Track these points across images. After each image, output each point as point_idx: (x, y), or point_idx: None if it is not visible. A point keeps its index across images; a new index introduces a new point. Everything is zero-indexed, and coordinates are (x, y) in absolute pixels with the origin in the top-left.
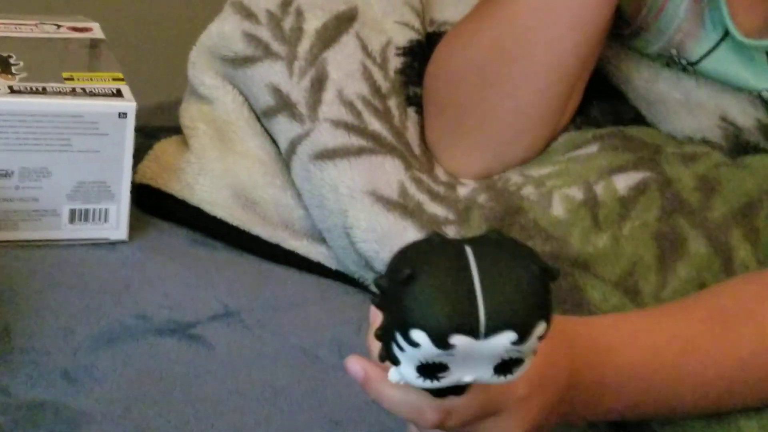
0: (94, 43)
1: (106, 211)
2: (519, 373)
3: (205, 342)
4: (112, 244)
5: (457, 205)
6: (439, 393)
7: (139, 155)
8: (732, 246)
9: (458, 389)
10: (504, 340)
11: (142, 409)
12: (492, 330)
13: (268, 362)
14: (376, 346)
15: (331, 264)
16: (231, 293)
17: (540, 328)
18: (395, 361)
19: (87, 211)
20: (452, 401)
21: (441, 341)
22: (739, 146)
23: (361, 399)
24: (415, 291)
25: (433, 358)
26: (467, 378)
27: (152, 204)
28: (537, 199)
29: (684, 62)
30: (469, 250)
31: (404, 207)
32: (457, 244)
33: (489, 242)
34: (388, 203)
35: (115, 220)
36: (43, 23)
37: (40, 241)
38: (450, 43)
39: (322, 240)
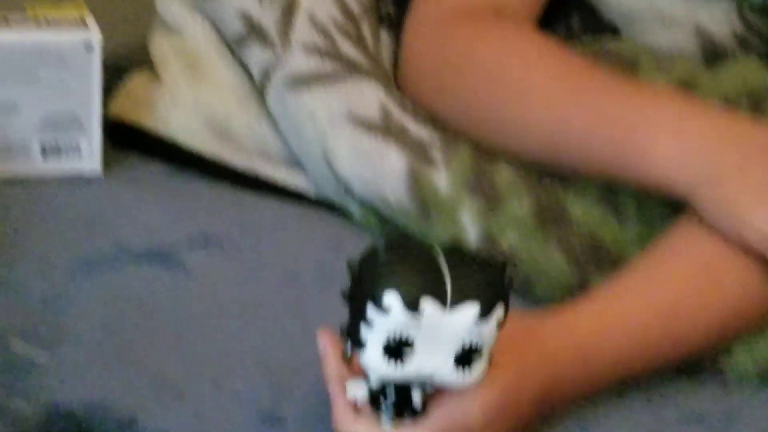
0: None
1: (78, 144)
2: (477, 371)
3: (185, 267)
4: (87, 178)
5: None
6: (397, 413)
7: (110, 92)
8: None
9: (413, 413)
10: (468, 314)
11: (123, 332)
12: (458, 300)
13: (248, 284)
14: (334, 374)
15: (310, 191)
16: (209, 221)
17: (500, 310)
18: (361, 344)
19: (58, 144)
20: None
21: (412, 302)
22: (715, 56)
23: (343, 316)
24: (390, 260)
25: (401, 329)
26: (428, 366)
27: (126, 139)
28: None
29: None
30: (436, 247)
31: (386, 128)
32: (424, 244)
33: (453, 246)
34: (368, 125)
35: (88, 154)
36: None
37: (13, 177)
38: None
39: (300, 167)
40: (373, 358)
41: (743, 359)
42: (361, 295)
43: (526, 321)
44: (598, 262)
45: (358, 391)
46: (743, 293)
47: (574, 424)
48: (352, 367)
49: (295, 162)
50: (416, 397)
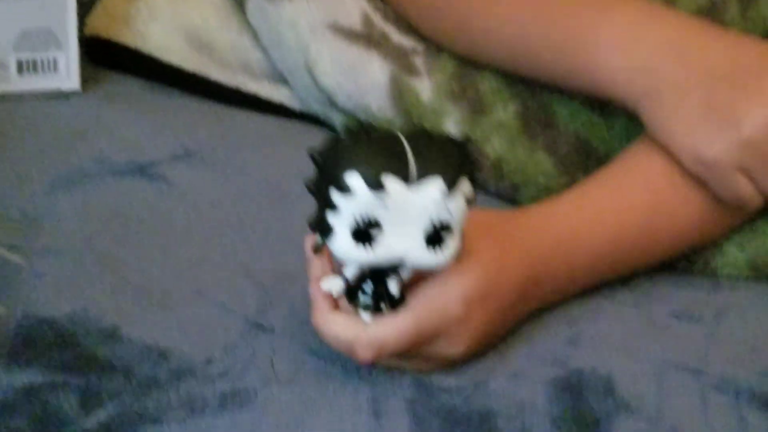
0: None
1: (55, 59)
2: (450, 251)
3: (167, 180)
4: (65, 95)
5: None
6: (375, 309)
7: (87, 8)
8: None
9: (393, 301)
10: (433, 188)
11: (104, 243)
12: (422, 176)
13: (232, 197)
14: (316, 274)
15: (294, 105)
16: (191, 135)
17: (465, 185)
18: (329, 232)
19: (35, 60)
20: (384, 335)
21: (375, 181)
22: None
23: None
24: (351, 144)
25: (367, 209)
26: (399, 247)
27: (105, 56)
28: None
29: None
30: (396, 130)
31: (368, 37)
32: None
33: (415, 129)
34: (350, 35)
35: (65, 70)
36: None
37: None
38: None
39: (283, 81)
40: (342, 244)
41: (734, 256)
42: (324, 182)
43: (504, 214)
44: (586, 165)
45: (334, 284)
46: None
47: (563, 324)
48: (330, 263)
49: (277, 76)
50: (393, 287)
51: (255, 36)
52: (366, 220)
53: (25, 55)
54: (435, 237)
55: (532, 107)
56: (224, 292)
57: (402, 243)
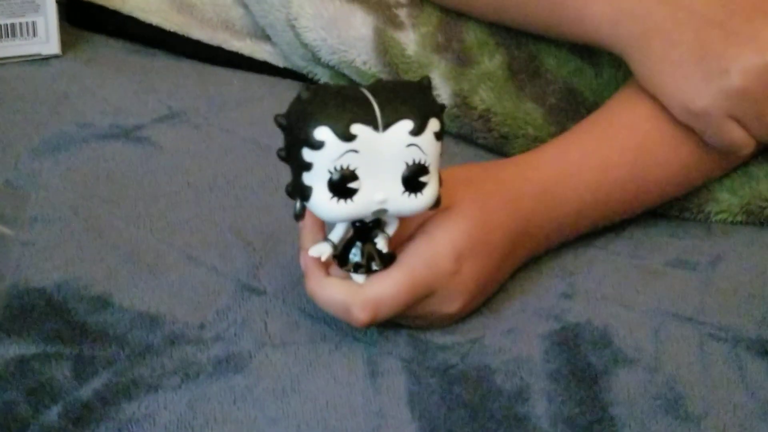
0: None
1: (34, 24)
2: (429, 192)
3: (152, 142)
4: (46, 59)
5: None
6: (367, 269)
7: None
8: None
9: (384, 258)
10: (402, 130)
11: (92, 209)
12: (389, 120)
13: (218, 156)
14: (306, 242)
15: (278, 62)
16: (174, 95)
17: (434, 123)
18: (306, 193)
19: (13, 25)
20: (379, 294)
21: (344, 132)
22: None
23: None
24: (316, 100)
25: (341, 161)
26: (378, 195)
27: (84, 18)
28: None
29: None
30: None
31: None
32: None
33: (375, 81)
34: None
35: (45, 34)
36: None
37: None
38: None
39: (266, 38)
40: (321, 201)
41: (728, 201)
42: (294, 144)
43: (488, 166)
44: (575, 114)
45: (322, 249)
46: None
47: (557, 278)
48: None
49: (260, 33)
50: (381, 244)
51: None
52: (341, 172)
53: (3, 21)
54: (412, 180)
55: (519, 57)
56: (215, 255)
57: (381, 191)
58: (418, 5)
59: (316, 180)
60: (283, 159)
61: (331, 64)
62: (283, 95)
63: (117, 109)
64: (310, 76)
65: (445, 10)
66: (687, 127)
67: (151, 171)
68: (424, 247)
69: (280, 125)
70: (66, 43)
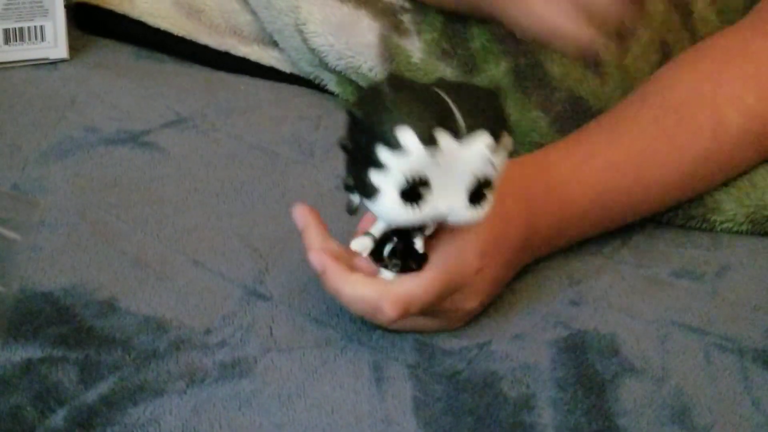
0: None
1: (42, 28)
2: (487, 206)
3: (159, 148)
4: (53, 63)
5: None
6: (402, 269)
7: None
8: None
9: (418, 258)
10: (482, 143)
11: (99, 213)
12: (470, 130)
13: (225, 162)
14: (316, 242)
15: (285, 67)
16: (182, 101)
17: (507, 139)
18: (372, 192)
19: (22, 29)
20: (410, 291)
21: (428, 137)
22: None
23: (325, 187)
24: (395, 96)
25: (419, 167)
26: (443, 205)
27: (92, 23)
28: None
29: None
30: (434, 85)
31: None
32: (424, 83)
33: (444, 80)
34: None
35: (53, 38)
36: None
37: None
38: None
39: (274, 43)
40: (389, 204)
41: (733, 211)
42: (368, 139)
43: None
44: (579, 121)
45: (364, 243)
46: (714, 135)
47: (565, 285)
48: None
49: (267, 39)
50: (419, 244)
51: None
52: (417, 179)
53: (12, 25)
54: (477, 193)
55: (525, 65)
56: (221, 260)
57: (447, 200)
58: (421, 10)
59: (387, 181)
60: (346, 150)
61: (338, 69)
62: (290, 101)
63: (124, 114)
64: (317, 81)
65: (449, 16)
66: (693, 131)
67: (158, 176)
68: (453, 246)
69: (352, 116)
70: (74, 48)
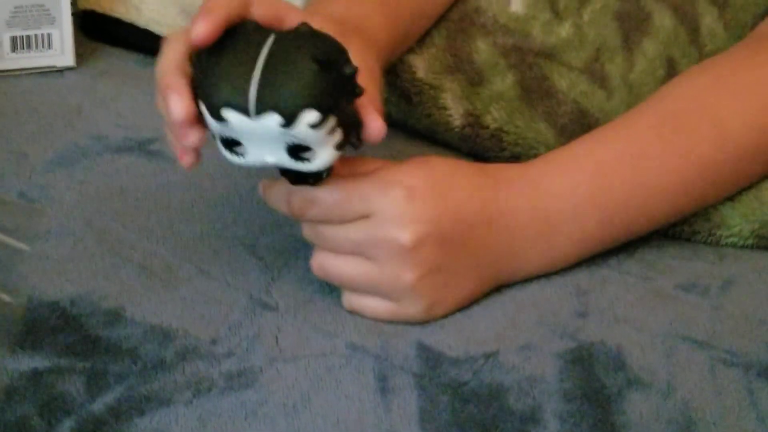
0: None
1: (49, 36)
2: (318, 161)
3: (165, 157)
4: (60, 71)
5: None
6: (295, 181)
7: None
8: (698, 13)
9: (313, 178)
10: (272, 122)
11: (104, 222)
12: (260, 110)
13: (231, 170)
14: None
15: None
16: None
17: (309, 116)
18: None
19: (29, 37)
20: (312, 191)
21: (215, 113)
22: None
23: None
24: (204, 66)
25: (220, 131)
26: (269, 159)
27: (98, 30)
28: None
29: None
30: (270, 40)
31: None
32: (265, 33)
33: (295, 35)
34: None
35: (60, 46)
36: None
37: None
38: None
39: None
40: (220, 147)
41: (739, 227)
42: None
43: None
44: (585, 133)
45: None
46: (717, 144)
47: (571, 296)
48: None
49: None
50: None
51: None
52: (226, 137)
53: (19, 32)
54: (295, 154)
55: (530, 77)
56: (227, 270)
57: (269, 154)
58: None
59: (211, 131)
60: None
61: None
62: None
63: (131, 122)
64: None
65: (450, 28)
66: (693, 138)
67: (164, 185)
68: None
69: (191, 61)
70: (81, 56)
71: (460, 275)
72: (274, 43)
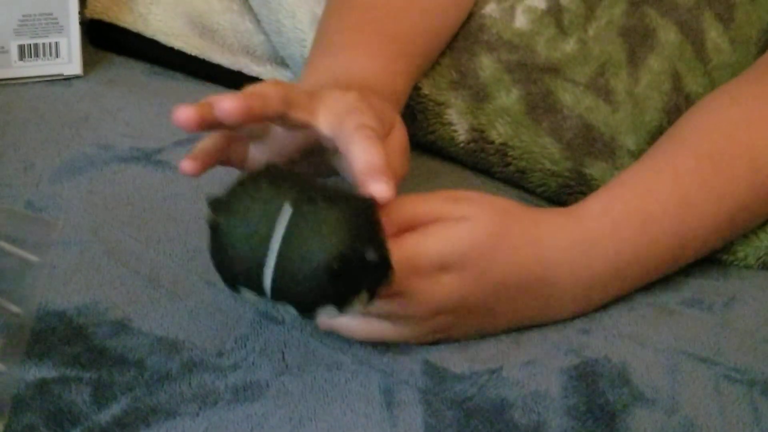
0: None
1: (57, 44)
2: (355, 309)
3: (172, 166)
4: (68, 79)
5: None
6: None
7: None
8: (703, 29)
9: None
10: (290, 308)
11: (111, 232)
12: (276, 298)
13: None
14: None
15: None
16: None
17: (326, 309)
18: None
19: (36, 45)
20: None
21: (232, 286)
22: None
23: None
24: (217, 237)
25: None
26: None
27: (106, 39)
28: (499, 15)
29: None
30: (286, 209)
31: None
32: (283, 194)
33: (315, 209)
34: None
35: (67, 54)
36: None
37: None
38: None
39: (287, 64)
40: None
41: (743, 252)
42: None
43: (530, 208)
44: (591, 148)
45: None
46: (751, 185)
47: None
48: None
49: (280, 59)
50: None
51: (257, 19)
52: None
53: (27, 41)
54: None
55: (535, 93)
56: None
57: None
58: None
59: None
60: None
61: None
62: None
63: (138, 132)
64: None
65: (454, 45)
66: (730, 180)
67: (171, 195)
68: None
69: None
70: (88, 64)
71: (476, 327)
72: (292, 217)
